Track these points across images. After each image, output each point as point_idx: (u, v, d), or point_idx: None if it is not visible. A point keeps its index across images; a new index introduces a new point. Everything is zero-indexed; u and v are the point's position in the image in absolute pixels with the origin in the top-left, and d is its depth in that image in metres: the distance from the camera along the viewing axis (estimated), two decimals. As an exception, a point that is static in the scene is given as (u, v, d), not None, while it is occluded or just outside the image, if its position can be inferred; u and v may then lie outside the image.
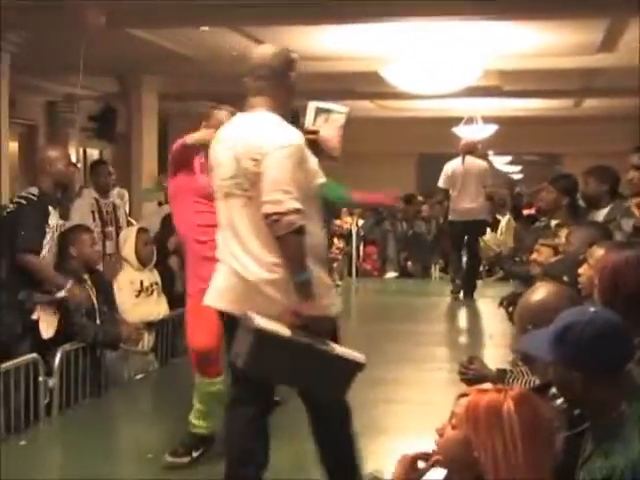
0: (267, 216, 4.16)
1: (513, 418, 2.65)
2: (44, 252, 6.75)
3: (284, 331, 4.17)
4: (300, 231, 4.17)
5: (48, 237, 6.78)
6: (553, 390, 3.13)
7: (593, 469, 2.60)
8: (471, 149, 12.78)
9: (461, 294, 12.58)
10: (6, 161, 10.56)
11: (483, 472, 2.68)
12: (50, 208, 6.86)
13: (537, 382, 3.57)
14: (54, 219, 6.88)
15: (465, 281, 12.66)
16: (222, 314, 4.55)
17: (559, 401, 3.10)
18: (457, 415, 2.77)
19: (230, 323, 4.44)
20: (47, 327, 6.68)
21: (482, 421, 2.69)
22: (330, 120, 4.83)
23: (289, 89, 4.60)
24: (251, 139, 4.35)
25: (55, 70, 13.33)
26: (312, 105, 4.86)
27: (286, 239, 4.16)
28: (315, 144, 4.68)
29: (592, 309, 2.81)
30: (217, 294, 4.51)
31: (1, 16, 8.54)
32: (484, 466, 2.69)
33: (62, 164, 7.03)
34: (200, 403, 5.58)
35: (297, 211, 4.14)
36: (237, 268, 4.36)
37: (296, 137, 4.36)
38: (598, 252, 4.59)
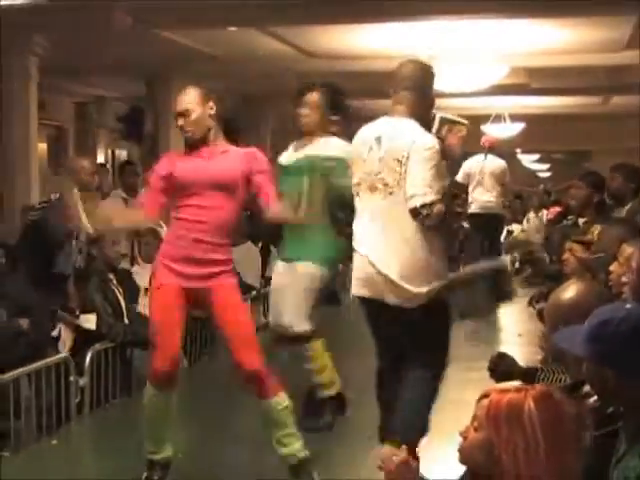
0: (415, 209, 4.81)
1: (534, 416, 2.63)
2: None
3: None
4: (446, 219, 4.92)
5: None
6: (586, 388, 3.12)
7: (627, 469, 2.57)
8: (493, 146, 12.73)
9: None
10: (35, 162, 10.60)
11: (506, 472, 2.68)
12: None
13: (568, 380, 3.56)
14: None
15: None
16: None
17: (592, 400, 3.09)
18: (478, 417, 2.76)
19: (373, 308, 5.09)
20: (64, 345, 6.75)
21: (503, 420, 2.68)
22: (454, 130, 5.17)
23: (430, 100, 5.22)
24: (396, 142, 4.92)
25: (83, 72, 13.40)
26: (438, 116, 5.18)
27: (437, 228, 4.90)
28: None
29: (627, 306, 2.79)
30: (358, 285, 5.10)
31: (29, 19, 8.59)
32: (507, 465, 2.67)
33: (86, 173, 7.06)
34: (287, 426, 5.06)
35: (441, 201, 4.81)
36: (373, 259, 4.95)
37: (435, 142, 4.96)
38: (628, 250, 4.57)
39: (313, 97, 6.20)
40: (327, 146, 6.06)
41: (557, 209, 12.03)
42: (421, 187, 4.79)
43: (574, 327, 2.85)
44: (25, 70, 10.26)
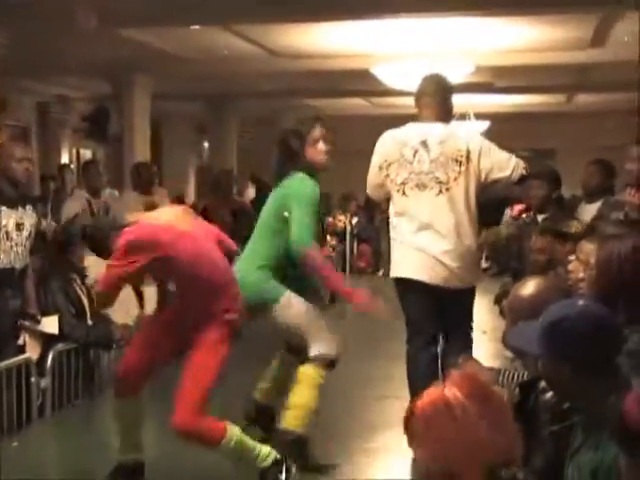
0: (523, 175, 5.73)
1: (463, 401, 2.56)
2: None
3: None
4: None
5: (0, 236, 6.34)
6: (542, 384, 3.11)
7: (582, 461, 2.59)
8: None
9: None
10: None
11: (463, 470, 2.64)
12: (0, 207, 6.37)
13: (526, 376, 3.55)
14: (5, 218, 6.38)
15: None
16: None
17: (548, 395, 3.08)
18: (414, 434, 2.71)
19: (422, 292, 5.68)
20: (33, 351, 6.64)
21: (434, 420, 2.60)
22: None
23: (450, 106, 5.92)
24: (449, 144, 5.65)
25: (46, 71, 13.30)
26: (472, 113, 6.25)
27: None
28: None
29: (580, 302, 2.79)
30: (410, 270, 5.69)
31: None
32: (451, 462, 2.60)
33: (14, 160, 6.45)
34: (245, 452, 5.10)
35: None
36: (434, 250, 5.61)
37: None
38: (587, 247, 4.55)
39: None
40: None
41: (520, 207, 11.97)
42: (512, 160, 5.72)
43: (529, 324, 2.85)
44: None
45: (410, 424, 2.78)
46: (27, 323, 6.62)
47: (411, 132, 5.77)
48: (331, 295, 12.58)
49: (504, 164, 5.69)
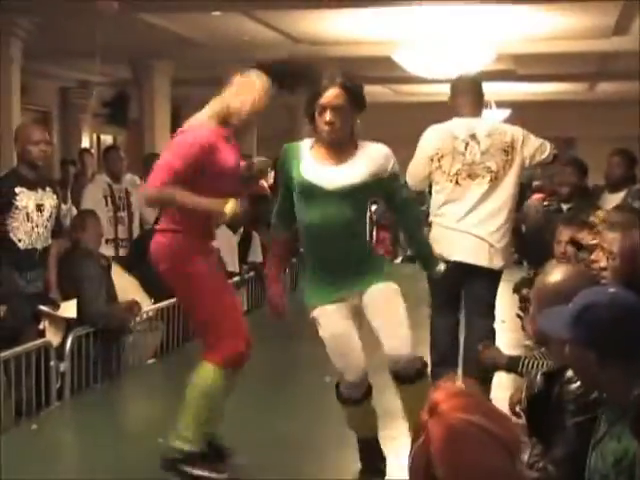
0: (555, 154, 6.36)
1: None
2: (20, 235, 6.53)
3: None
4: None
5: (21, 217, 6.50)
6: (569, 374, 3.09)
7: (606, 451, 2.55)
8: None
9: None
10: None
11: None
12: (20, 188, 6.51)
13: (548, 366, 3.53)
14: (25, 199, 6.53)
15: None
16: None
17: (574, 385, 3.05)
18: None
19: (460, 271, 6.03)
20: (54, 336, 6.66)
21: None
22: None
23: (482, 103, 6.57)
24: (496, 137, 6.15)
25: (68, 56, 13.32)
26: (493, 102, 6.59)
27: None
28: None
29: (611, 289, 2.78)
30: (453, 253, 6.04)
31: (12, 2, 8.53)
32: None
33: (32, 143, 6.56)
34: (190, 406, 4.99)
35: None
36: (481, 233, 6.05)
37: None
38: (610, 236, 4.52)
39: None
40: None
41: (540, 195, 11.91)
42: (546, 143, 6.32)
43: (557, 309, 2.82)
44: (8, 53, 10.17)
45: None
46: (46, 308, 6.65)
47: (459, 127, 6.19)
48: None
49: (543, 148, 6.26)
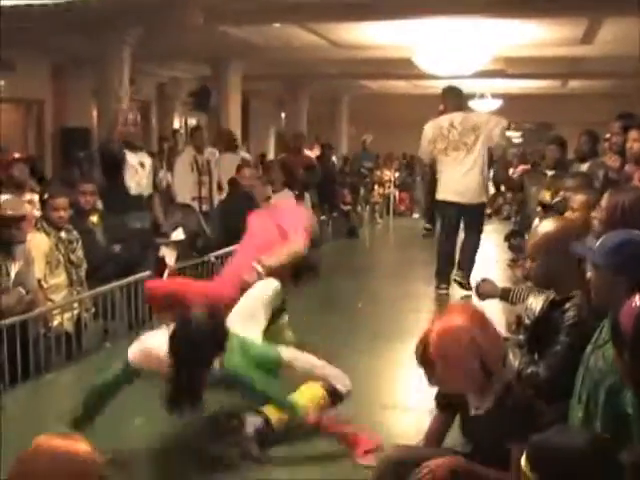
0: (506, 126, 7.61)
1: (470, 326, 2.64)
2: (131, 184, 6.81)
3: None
4: None
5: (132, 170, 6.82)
6: (567, 305, 3.03)
7: (609, 354, 2.45)
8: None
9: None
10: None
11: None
12: (126, 150, 6.83)
13: (533, 296, 3.48)
14: (131, 158, 6.85)
15: None
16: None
17: (571, 313, 3.01)
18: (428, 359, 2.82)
19: (455, 206, 7.38)
20: (170, 258, 6.65)
21: (445, 347, 2.69)
22: None
23: (462, 104, 7.86)
24: (466, 124, 7.37)
25: (164, 58, 13.31)
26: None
27: None
28: None
29: (637, 232, 2.73)
30: (449, 195, 7.40)
31: (123, 16, 8.53)
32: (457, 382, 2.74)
33: (122, 123, 7.00)
34: None
35: None
36: (466, 181, 7.34)
37: None
38: (579, 198, 4.44)
39: None
40: None
41: (524, 167, 11.76)
42: (501, 120, 7.61)
43: (584, 244, 2.85)
44: (120, 57, 10.21)
45: (425, 351, 2.76)
46: (159, 240, 6.82)
47: (444, 120, 7.45)
48: (349, 229, 12.48)
49: (499, 122, 7.47)
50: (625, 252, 2.59)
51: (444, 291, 7.40)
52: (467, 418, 2.85)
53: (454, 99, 7.64)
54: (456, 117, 7.40)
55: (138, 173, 6.88)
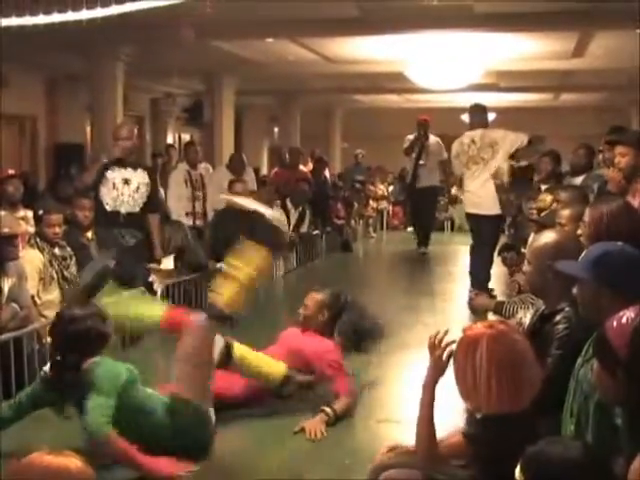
0: (525, 141, 7.95)
1: (485, 352, 2.54)
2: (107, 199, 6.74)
3: None
4: None
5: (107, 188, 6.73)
6: (557, 318, 3.04)
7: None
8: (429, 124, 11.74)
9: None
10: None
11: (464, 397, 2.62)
12: (112, 166, 6.75)
13: (526, 310, 3.49)
14: (114, 174, 6.77)
15: None
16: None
17: (562, 326, 3.01)
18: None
19: (475, 217, 8.05)
20: (159, 285, 6.68)
21: (461, 355, 2.62)
22: None
23: (486, 121, 8.40)
24: (484, 140, 7.91)
25: (157, 74, 13.34)
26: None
27: None
28: None
29: (619, 243, 2.74)
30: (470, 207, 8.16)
31: (116, 33, 8.55)
32: (460, 393, 2.62)
33: (116, 139, 6.87)
34: None
35: None
36: (481, 194, 7.90)
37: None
38: (566, 212, 4.45)
39: None
40: None
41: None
42: (521, 135, 8.02)
43: (570, 261, 2.80)
44: (113, 73, 10.27)
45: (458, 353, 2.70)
46: (151, 266, 6.78)
47: (465, 137, 8.06)
48: (343, 243, 12.50)
49: (518, 138, 7.86)
50: (608, 264, 2.60)
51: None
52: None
53: (479, 116, 8.19)
54: (477, 134, 7.96)
55: (117, 189, 6.72)
